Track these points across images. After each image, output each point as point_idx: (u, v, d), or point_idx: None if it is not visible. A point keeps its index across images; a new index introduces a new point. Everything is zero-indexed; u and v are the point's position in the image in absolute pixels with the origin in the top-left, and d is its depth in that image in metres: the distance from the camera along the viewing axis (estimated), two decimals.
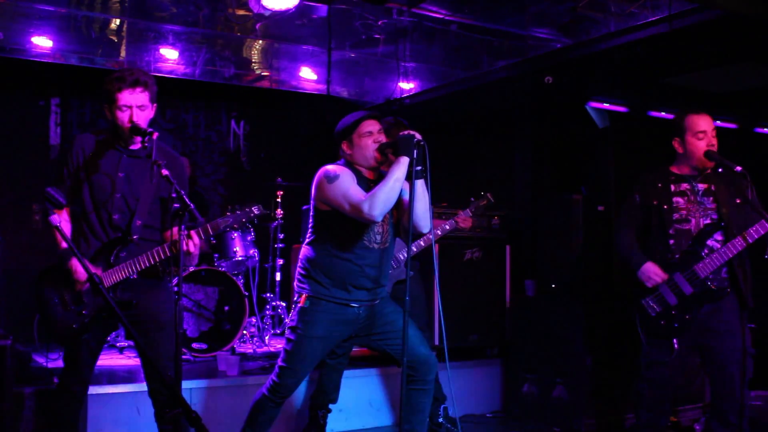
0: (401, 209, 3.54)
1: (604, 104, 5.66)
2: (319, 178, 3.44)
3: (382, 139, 3.47)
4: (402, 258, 4.46)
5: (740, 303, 3.77)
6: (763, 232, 3.62)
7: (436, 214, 5.18)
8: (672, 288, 3.78)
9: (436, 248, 5.41)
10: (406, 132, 3.34)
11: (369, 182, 3.47)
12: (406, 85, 6.74)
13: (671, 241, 3.83)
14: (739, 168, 3.66)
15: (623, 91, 5.73)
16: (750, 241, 3.64)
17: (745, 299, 3.75)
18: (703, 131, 3.81)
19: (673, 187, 3.88)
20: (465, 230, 4.75)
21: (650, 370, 3.87)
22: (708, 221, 3.80)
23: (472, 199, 4.73)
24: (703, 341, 3.80)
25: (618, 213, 4.14)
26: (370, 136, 3.45)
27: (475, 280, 5.67)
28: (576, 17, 5.07)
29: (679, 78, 5.66)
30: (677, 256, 3.81)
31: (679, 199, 3.86)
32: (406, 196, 3.44)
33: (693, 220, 3.82)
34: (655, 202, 3.88)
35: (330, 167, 3.46)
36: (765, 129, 6.42)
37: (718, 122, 6.08)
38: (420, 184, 3.34)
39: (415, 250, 4.55)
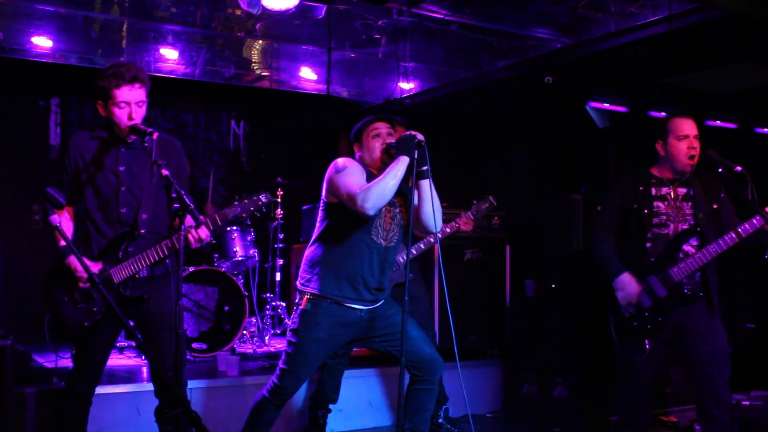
0: (416, 214, 3.55)
1: (604, 104, 5.66)
2: (330, 169, 3.50)
3: (391, 140, 3.52)
4: (402, 261, 4.44)
5: (710, 306, 3.77)
6: (751, 230, 3.61)
7: None
8: (647, 291, 3.79)
9: (436, 249, 5.43)
10: (407, 132, 3.37)
11: None
12: (406, 85, 6.74)
13: (648, 245, 3.83)
14: (739, 168, 3.66)
15: (623, 91, 5.72)
16: (743, 235, 3.63)
17: (713, 303, 3.75)
18: (686, 135, 3.80)
19: (654, 191, 3.88)
20: (466, 232, 4.74)
21: (626, 369, 3.89)
22: (686, 226, 3.80)
23: (475, 201, 4.71)
24: (680, 343, 3.81)
25: (598, 213, 4.12)
26: (378, 138, 3.52)
27: (475, 280, 5.67)
28: (576, 17, 5.07)
29: (679, 78, 5.65)
30: (653, 259, 3.81)
31: (660, 204, 3.86)
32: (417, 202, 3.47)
33: (672, 225, 3.82)
34: (635, 206, 3.87)
35: (341, 159, 3.52)
36: (765, 129, 6.41)
37: (718, 122, 6.08)
38: (426, 184, 3.39)
39: (415, 252, 4.54)
